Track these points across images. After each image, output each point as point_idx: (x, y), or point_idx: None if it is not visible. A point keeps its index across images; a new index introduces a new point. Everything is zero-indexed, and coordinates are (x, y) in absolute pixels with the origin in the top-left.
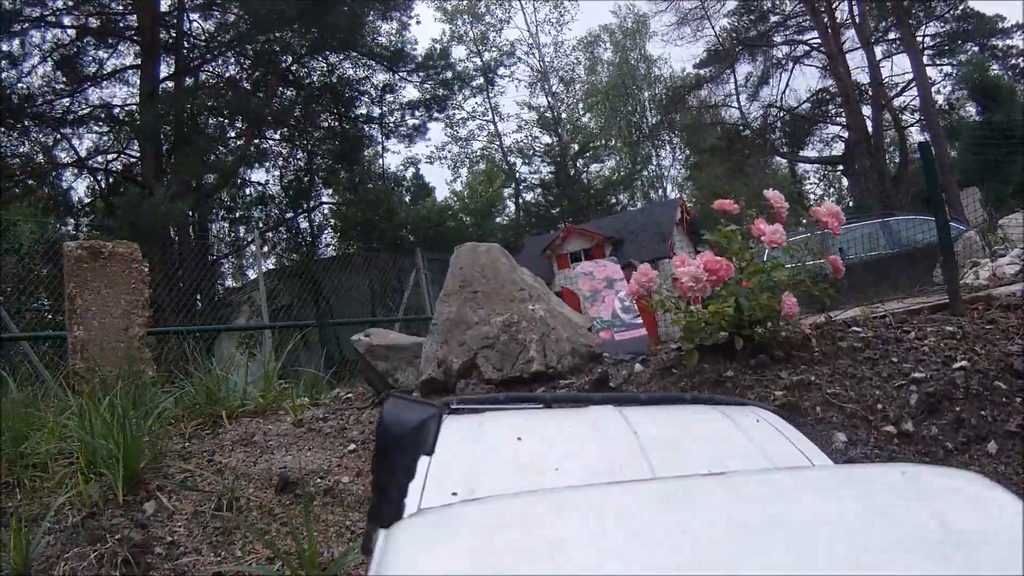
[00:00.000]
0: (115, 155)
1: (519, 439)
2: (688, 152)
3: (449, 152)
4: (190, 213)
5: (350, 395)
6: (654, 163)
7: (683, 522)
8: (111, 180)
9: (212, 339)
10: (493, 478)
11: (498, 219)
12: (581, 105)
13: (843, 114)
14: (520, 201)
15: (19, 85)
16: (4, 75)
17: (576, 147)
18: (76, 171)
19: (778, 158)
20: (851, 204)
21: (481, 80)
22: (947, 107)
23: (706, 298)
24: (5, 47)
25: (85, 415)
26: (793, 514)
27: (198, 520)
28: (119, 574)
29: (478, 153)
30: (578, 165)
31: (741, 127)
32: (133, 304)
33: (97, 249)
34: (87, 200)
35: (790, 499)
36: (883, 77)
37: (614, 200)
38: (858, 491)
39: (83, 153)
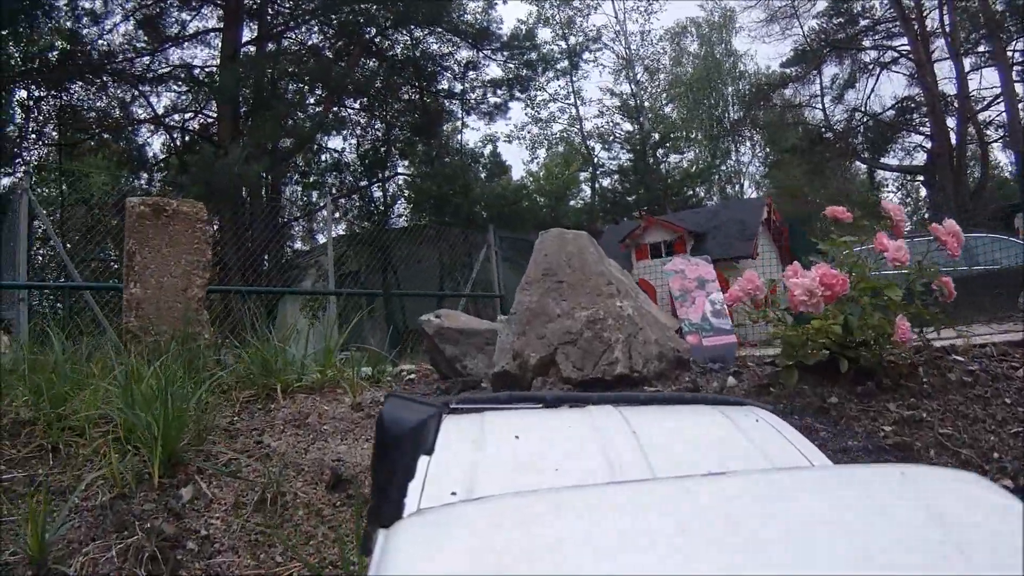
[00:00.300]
0: (192, 114)
1: (519, 439)
2: (768, 150)
3: (528, 132)
4: (264, 175)
5: (413, 376)
6: (733, 159)
7: (683, 522)
8: (187, 138)
9: (275, 301)
10: (493, 478)
11: (572, 202)
12: (664, 95)
13: (927, 124)
14: (596, 186)
15: (100, 42)
16: (85, 31)
17: (656, 136)
18: (152, 127)
19: (858, 163)
20: (927, 216)
21: (565, 63)
22: None
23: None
24: (87, 3)
25: (130, 379)
26: (792, 514)
27: (238, 514)
28: (144, 572)
29: (557, 135)
30: (657, 155)
31: (823, 129)
32: (194, 265)
33: (160, 207)
34: (162, 156)
35: (790, 499)
36: (970, 90)
37: (690, 193)
38: (858, 491)
39: (160, 111)
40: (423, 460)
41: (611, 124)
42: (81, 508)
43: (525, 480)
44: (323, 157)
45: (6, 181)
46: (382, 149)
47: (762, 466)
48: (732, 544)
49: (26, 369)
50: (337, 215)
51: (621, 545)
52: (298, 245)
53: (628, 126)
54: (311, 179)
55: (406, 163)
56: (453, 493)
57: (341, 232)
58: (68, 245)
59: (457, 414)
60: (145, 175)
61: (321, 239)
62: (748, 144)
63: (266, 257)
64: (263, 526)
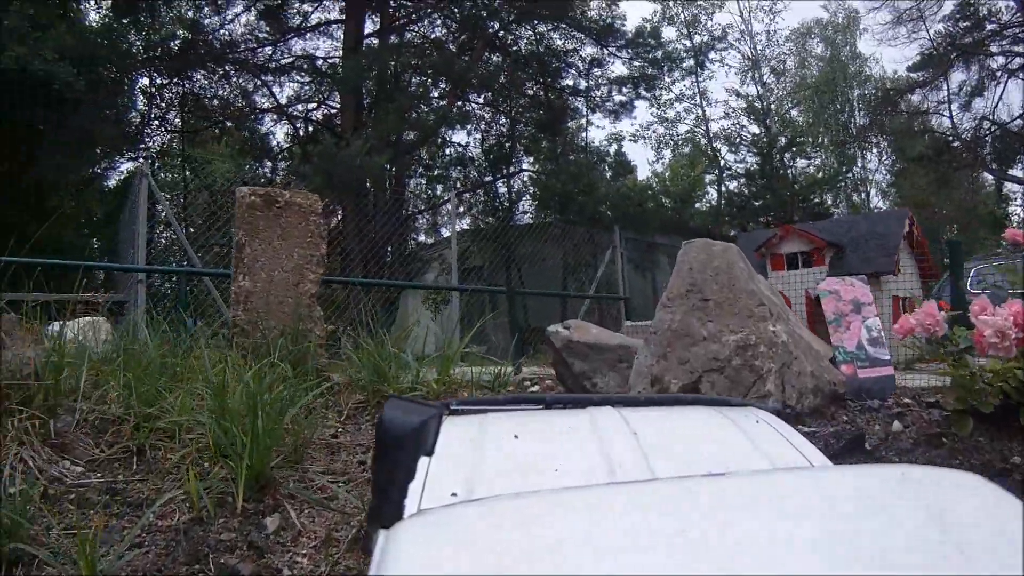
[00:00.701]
0: (315, 105)
1: (519, 439)
2: (894, 158)
3: (653, 132)
4: (387, 167)
5: (536, 387)
6: (859, 166)
7: (682, 523)
8: (310, 128)
9: (396, 294)
10: (493, 479)
11: (697, 205)
12: (790, 98)
13: None
14: (722, 189)
15: (221, 32)
16: (206, 21)
17: (783, 140)
18: (275, 117)
19: (985, 174)
20: None
21: (691, 62)
22: None
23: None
24: None
25: (222, 384)
26: (793, 514)
27: (328, 552)
28: None
29: (683, 136)
30: (784, 159)
31: (951, 138)
32: (307, 259)
33: (272, 197)
34: (285, 146)
35: (790, 499)
36: None
37: (817, 200)
38: (858, 492)
39: (283, 100)
40: (424, 461)
41: (737, 126)
42: (154, 528)
43: (525, 481)
44: (447, 151)
45: (129, 166)
46: (506, 144)
47: (762, 466)
48: (732, 544)
49: (122, 362)
50: (461, 209)
51: (621, 545)
52: (421, 238)
53: (755, 128)
54: (435, 173)
55: (531, 159)
56: (453, 494)
57: (465, 227)
58: (191, 229)
59: (457, 415)
60: (268, 163)
61: (445, 233)
62: (874, 151)
63: (389, 249)
64: (355, 571)
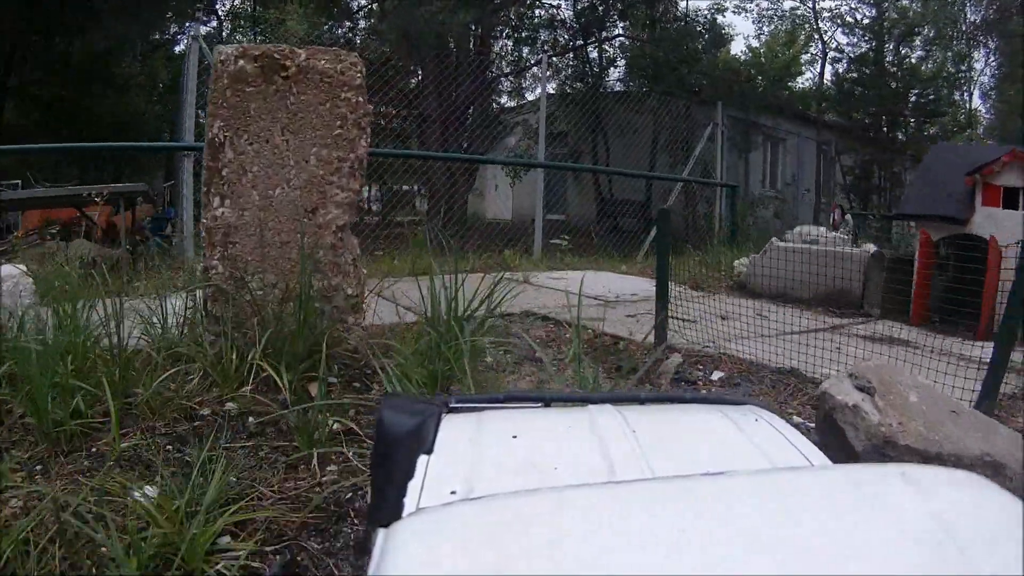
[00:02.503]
0: None
1: (518, 438)
2: (1003, 62)
3: (756, 5)
4: (471, 26)
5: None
6: (965, 65)
7: (682, 522)
8: None
9: (475, 169)
10: (492, 477)
11: (790, 83)
12: None
13: None
14: (824, 71)
15: None
16: None
17: (900, 29)
18: None
19: None
20: None
21: None
22: None
23: None
24: None
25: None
26: (792, 514)
27: None
28: None
29: (788, 12)
30: (900, 49)
31: None
32: (332, 165)
33: (276, 62)
34: (364, 3)
35: (790, 499)
36: None
37: (932, 96)
38: (858, 492)
39: None
40: (422, 459)
41: (850, 7)
42: None
43: (524, 479)
44: (537, 12)
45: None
46: (600, 8)
47: (762, 466)
48: (731, 544)
49: None
50: (549, 73)
51: (620, 545)
52: (504, 101)
53: (868, 11)
54: (523, 34)
55: (625, 24)
56: (452, 492)
57: (552, 91)
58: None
59: (456, 413)
60: (347, 23)
61: (530, 97)
62: (982, 50)
63: (470, 111)
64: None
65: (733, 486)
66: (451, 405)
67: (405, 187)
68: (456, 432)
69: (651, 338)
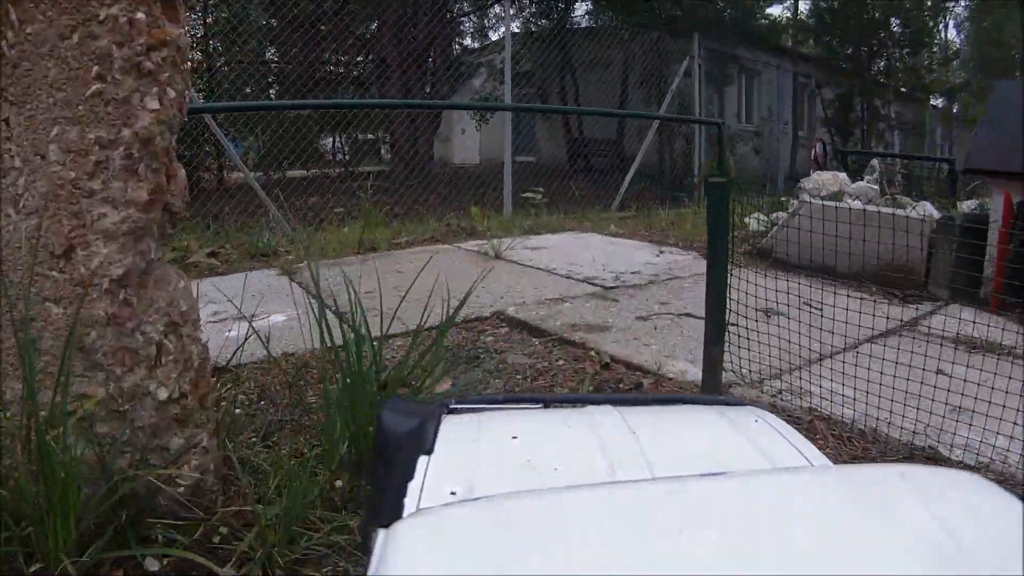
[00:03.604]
0: None
1: (518, 439)
2: None
3: None
4: None
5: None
6: None
7: (682, 522)
8: None
9: (438, 115)
10: (492, 478)
11: (770, 9)
12: None
13: None
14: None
15: None
16: None
17: None
18: None
19: None
20: None
21: None
22: None
23: None
24: None
25: None
26: (792, 514)
27: None
28: None
29: None
30: None
31: None
32: (92, 152)
33: None
34: None
35: (789, 499)
36: None
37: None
38: (857, 492)
39: None
40: (422, 460)
41: None
42: None
43: (524, 480)
44: None
45: None
46: None
47: (762, 466)
48: (731, 544)
49: None
50: (513, 11)
51: (620, 545)
52: (468, 43)
53: None
54: None
55: None
56: (453, 493)
57: (516, 30)
58: None
59: (456, 414)
60: None
61: (494, 36)
62: None
63: (431, 55)
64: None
65: (733, 487)
66: (451, 406)
67: (370, 135)
68: (456, 433)
69: (682, 364)
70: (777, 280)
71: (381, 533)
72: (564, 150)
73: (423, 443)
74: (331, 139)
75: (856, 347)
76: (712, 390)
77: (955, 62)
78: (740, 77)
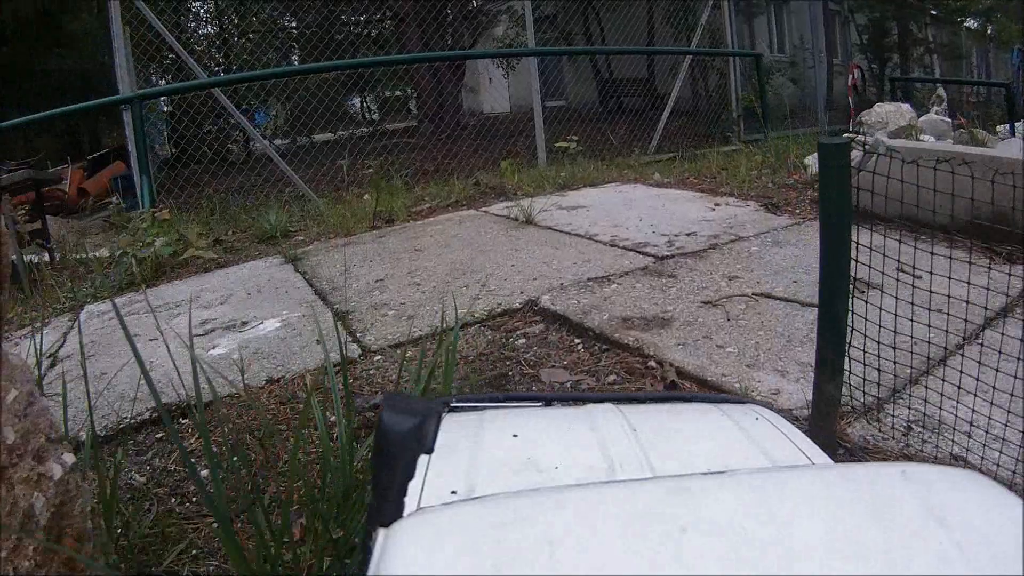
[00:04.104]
0: None
1: (519, 437)
2: None
3: None
4: None
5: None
6: None
7: (683, 521)
8: None
9: (462, 65)
10: (493, 477)
11: None
12: None
13: None
14: None
15: None
16: None
17: None
18: None
19: None
20: None
21: None
22: None
23: None
24: None
25: None
26: (792, 513)
27: None
28: None
29: None
30: None
31: None
32: None
33: None
34: None
35: (790, 498)
36: None
37: None
38: (858, 490)
39: None
40: (423, 459)
41: None
42: None
43: (525, 479)
44: None
45: None
46: None
47: (763, 465)
48: (731, 544)
49: None
50: None
51: (621, 545)
52: None
53: None
54: None
55: None
56: (453, 492)
57: None
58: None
59: (457, 412)
60: None
61: None
62: None
63: (449, 7)
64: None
65: (734, 485)
66: (452, 405)
67: (398, 92)
68: (457, 432)
69: (772, 380)
70: (859, 235)
71: (381, 533)
72: (595, 92)
73: (424, 442)
74: (358, 100)
75: (979, 335)
76: (827, 436)
77: None
78: (769, 6)
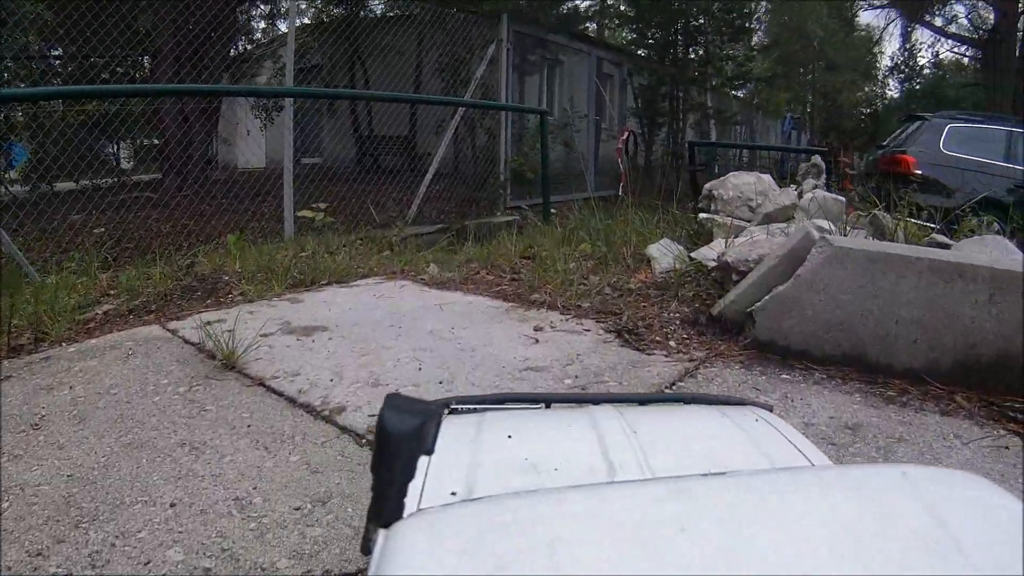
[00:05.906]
0: None
1: (519, 439)
2: None
3: None
4: None
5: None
6: None
7: (682, 522)
8: None
9: (217, 105)
10: (492, 478)
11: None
12: None
13: None
14: None
15: None
16: None
17: None
18: None
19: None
20: None
21: None
22: None
23: None
24: None
25: None
26: (792, 514)
27: None
28: None
29: None
30: None
31: None
32: None
33: None
34: None
35: (790, 499)
36: None
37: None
38: (858, 492)
39: None
40: (423, 460)
41: None
42: None
43: (525, 480)
44: None
45: None
46: None
47: (762, 466)
48: (731, 545)
49: None
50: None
51: (620, 546)
52: (258, 36)
53: None
54: None
55: None
56: (453, 493)
57: (306, 21)
58: None
59: (457, 414)
60: None
61: (284, 29)
62: None
63: (212, 50)
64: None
65: (733, 486)
66: (452, 406)
67: (155, 140)
68: (457, 433)
69: None
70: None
71: (381, 533)
72: (353, 150)
73: (424, 443)
74: (111, 145)
75: None
76: None
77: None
78: (543, 66)
